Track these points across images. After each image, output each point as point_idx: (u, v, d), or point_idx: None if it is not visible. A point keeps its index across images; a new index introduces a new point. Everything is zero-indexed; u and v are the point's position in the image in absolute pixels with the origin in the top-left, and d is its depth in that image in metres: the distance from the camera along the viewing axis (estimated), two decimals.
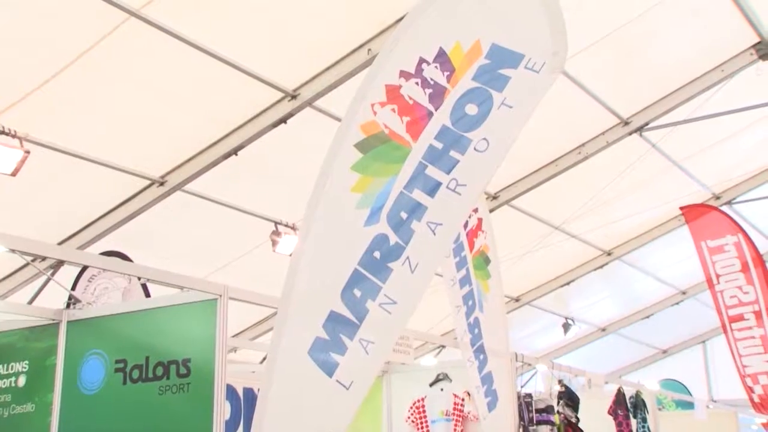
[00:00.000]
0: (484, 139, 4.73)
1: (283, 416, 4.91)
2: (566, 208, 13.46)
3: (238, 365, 8.10)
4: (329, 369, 4.78)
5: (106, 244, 9.40)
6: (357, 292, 4.79)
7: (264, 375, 5.04)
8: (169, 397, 5.04)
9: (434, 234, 4.83)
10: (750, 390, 13.25)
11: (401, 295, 4.80)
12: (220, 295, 5.06)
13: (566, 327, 17.21)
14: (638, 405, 10.91)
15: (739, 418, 13.31)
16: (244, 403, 7.38)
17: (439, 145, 4.80)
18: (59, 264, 8.07)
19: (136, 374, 5.16)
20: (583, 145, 12.07)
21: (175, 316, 5.21)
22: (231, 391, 7.53)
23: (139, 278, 7.40)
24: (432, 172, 4.79)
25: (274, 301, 5.27)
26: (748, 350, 13.30)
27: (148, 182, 9.46)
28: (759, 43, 11.24)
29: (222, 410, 4.94)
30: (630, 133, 12.11)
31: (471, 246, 7.75)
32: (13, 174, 7.68)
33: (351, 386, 4.83)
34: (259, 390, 5.18)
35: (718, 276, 13.52)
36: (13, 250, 5.54)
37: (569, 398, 9.14)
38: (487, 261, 7.91)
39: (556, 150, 12.06)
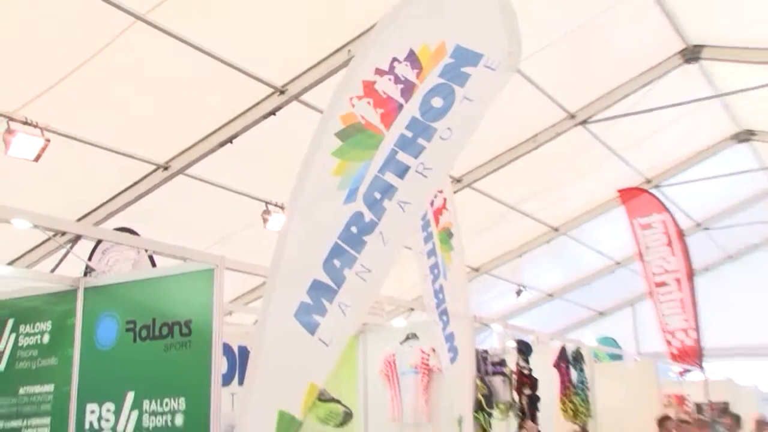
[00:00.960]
0: (448, 128, 4.76)
1: (272, 369, 4.88)
2: (520, 190, 13.50)
3: (233, 326, 8.08)
4: (312, 328, 4.77)
5: (117, 221, 9.36)
6: (336, 262, 4.80)
7: (256, 334, 5.02)
8: (173, 353, 5.01)
9: (404, 211, 4.84)
10: (669, 344, 13.44)
11: (375, 264, 4.82)
12: (217, 266, 5.02)
13: (518, 293, 17.28)
14: (578, 358, 10.94)
15: (658, 367, 13.42)
16: (239, 359, 7.35)
17: (408, 134, 4.81)
18: (77, 238, 8.13)
19: (144, 333, 5.13)
20: (535, 135, 12.13)
21: (178, 283, 5.18)
22: (227, 349, 7.48)
23: (147, 250, 7.35)
24: (402, 157, 4.80)
25: (265, 270, 5.26)
26: (670, 311, 13.48)
27: (154, 167, 9.46)
28: (684, 49, 11.34)
29: (219, 364, 4.91)
30: (576, 125, 12.16)
31: (437, 222, 7.73)
32: (36, 160, 7.66)
33: (331, 343, 4.84)
34: (251, 347, 5.15)
35: (646, 248, 13.64)
36: (36, 226, 5.48)
37: (523, 349, 9.13)
38: (450, 236, 7.89)
39: (512, 139, 12.10)
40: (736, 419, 13.36)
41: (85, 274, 6.46)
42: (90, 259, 7.66)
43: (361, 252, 4.80)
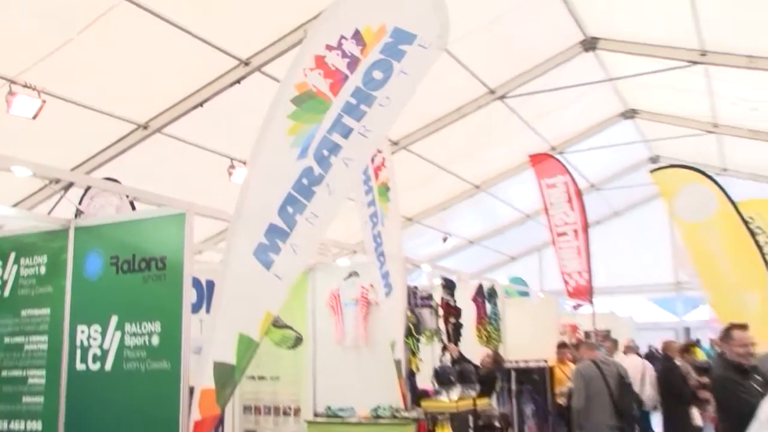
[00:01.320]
0: (387, 97, 4.77)
1: (234, 299, 4.87)
2: (448, 153, 13.54)
3: (203, 263, 8.00)
4: (268, 265, 4.77)
5: (103, 172, 9.27)
6: (290, 209, 4.79)
7: (220, 269, 4.99)
8: (150, 284, 4.96)
9: (347, 167, 4.84)
10: (566, 283, 13.63)
11: (322, 211, 4.82)
12: (188, 210, 4.95)
13: (444, 239, 17.41)
14: (492, 294, 11.07)
15: (558, 302, 13.68)
16: (206, 291, 7.29)
17: (353, 101, 4.81)
18: (69, 186, 8.07)
19: (125, 267, 5.07)
20: (461, 107, 12.17)
21: (154, 225, 5.11)
22: (196, 282, 7.41)
23: (128, 197, 7.23)
24: (347, 120, 4.80)
25: (229, 216, 5.21)
26: (568, 256, 13.63)
27: (135, 126, 9.40)
28: (584, 40, 11.46)
29: (188, 295, 4.86)
30: (495, 100, 12.21)
31: (376, 178, 7.71)
32: (33, 118, 7.69)
33: (283, 277, 4.84)
34: (217, 280, 5.13)
35: (551, 204, 13.75)
36: (35, 174, 5.44)
37: (448, 285, 9.21)
38: (387, 189, 7.88)
39: (442, 110, 12.13)
40: (614, 343, 13.73)
41: (76, 216, 6.38)
42: (80, 203, 7.55)
43: (310, 201, 4.81)
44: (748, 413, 4.80)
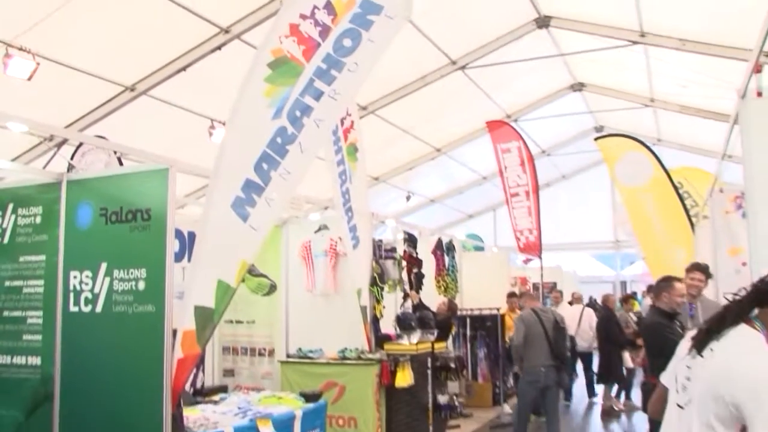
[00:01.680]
0: (355, 63, 4.75)
1: (213, 248, 4.87)
2: (412, 118, 13.50)
3: (185, 216, 7.95)
4: (244, 217, 4.77)
5: (93, 130, 9.08)
6: (265, 166, 4.77)
7: (201, 221, 4.97)
8: (136, 233, 4.91)
9: (318, 127, 4.82)
10: (518, 240, 13.76)
11: (294, 167, 4.82)
12: (171, 166, 4.88)
13: (408, 198, 17.43)
14: (450, 248, 11.17)
15: (510, 256, 13.83)
16: (188, 241, 7.28)
17: (324, 66, 4.79)
18: (62, 143, 8.04)
19: (114, 218, 5.02)
20: (425, 75, 12.08)
21: (140, 179, 5.05)
22: (179, 233, 7.38)
23: (116, 152, 7.13)
24: (318, 84, 4.78)
25: (209, 172, 5.16)
26: (520, 215, 13.73)
27: (123, 88, 9.22)
28: (538, 18, 11.42)
29: (171, 244, 4.82)
30: (456, 70, 12.15)
31: (345, 139, 7.68)
32: (29, 79, 7.54)
33: (259, 228, 4.85)
34: (198, 231, 5.11)
35: (505, 168, 13.80)
36: (31, 131, 5.37)
37: (411, 239, 9.26)
38: (356, 150, 7.86)
39: (407, 78, 12.05)
40: (560, 293, 13.96)
41: (68, 171, 6.29)
42: (71, 159, 7.45)
43: (284, 158, 4.79)
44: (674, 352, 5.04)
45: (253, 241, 4.90)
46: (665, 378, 2.55)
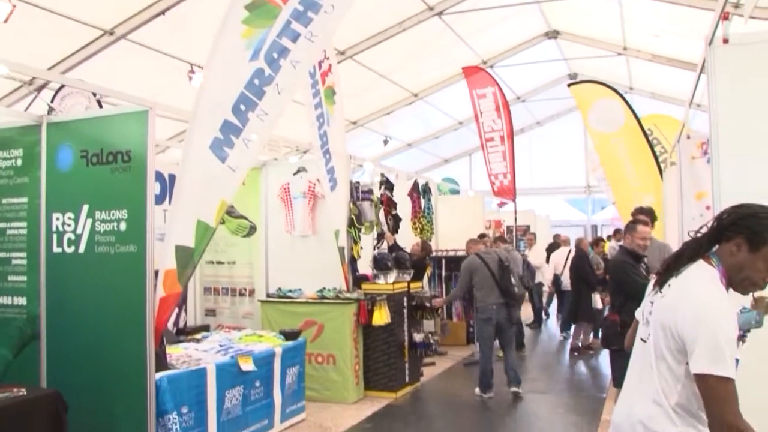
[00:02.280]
0: (332, 5, 4.72)
1: (193, 189, 4.87)
2: (390, 63, 13.37)
3: (167, 159, 7.90)
4: (222, 158, 4.76)
5: (72, 75, 8.85)
6: (242, 107, 4.74)
7: (181, 162, 4.95)
8: (117, 175, 4.89)
9: (295, 69, 4.78)
10: (492, 184, 13.85)
11: (271, 108, 4.80)
12: (150, 108, 4.83)
13: (385, 142, 17.38)
14: (426, 190, 11.19)
15: (484, 200, 13.92)
16: (169, 184, 7.24)
17: (300, 8, 4.74)
18: (43, 86, 7.83)
19: (94, 159, 4.98)
20: (403, 21, 11.93)
21: (120, 121, 4.99)
22: (160, 176, 7.35)
23: (95, 95, 7.02)
24: (295, 26, 4.74)
25: (188, 114, 5.11)
26: (495, 159, 13.80)
27: (101, 32, 8.99)
28: None
29: (152, 184, 4.79)
30: (433, 16, 11.99)
31: (323, 82, 7.61)
32: (5, 21, 7.28)
33: (237, 169, 4.85)
34: (178, 173, 5.09)
35: (481, 113, 13.80)
36: (11, 73, 5.24)
37: (387, 182, 9.26)
38: (333, 93, 7.79)
39: (385, 23, 11.90)
40: (533, 236, 14.13)
41: (48, 113, 6.19)
42: (51, 102, 7.32)
43: (261, 99, 4.76)
44: (636, 290, 5.16)
45: (232, 181, 4.90)
46: (638, 312, 2.61)
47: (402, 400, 7.71)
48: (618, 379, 5.71)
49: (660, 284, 2.41)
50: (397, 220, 9.50)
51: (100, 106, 7.39)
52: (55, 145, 5.18)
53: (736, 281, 2.34)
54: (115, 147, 4.91)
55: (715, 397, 2.10)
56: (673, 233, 6.42)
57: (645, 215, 6.18)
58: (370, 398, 7.64)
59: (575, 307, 10.39)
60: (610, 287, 6.61)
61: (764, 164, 3.53)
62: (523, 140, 20.01)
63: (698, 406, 2.25)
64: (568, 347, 10.95)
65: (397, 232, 9.51)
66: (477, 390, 7.82)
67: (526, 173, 18.85)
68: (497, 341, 7.86)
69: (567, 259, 11.54)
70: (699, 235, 2.41)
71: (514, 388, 7.76)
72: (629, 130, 10.90)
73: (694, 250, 2.38)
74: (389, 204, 9.18)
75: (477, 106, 13.77)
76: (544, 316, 14.40)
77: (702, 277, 2.31)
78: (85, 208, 4.98)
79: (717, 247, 2.36)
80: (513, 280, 7.93)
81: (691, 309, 2.21)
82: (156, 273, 4.88)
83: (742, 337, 2.44)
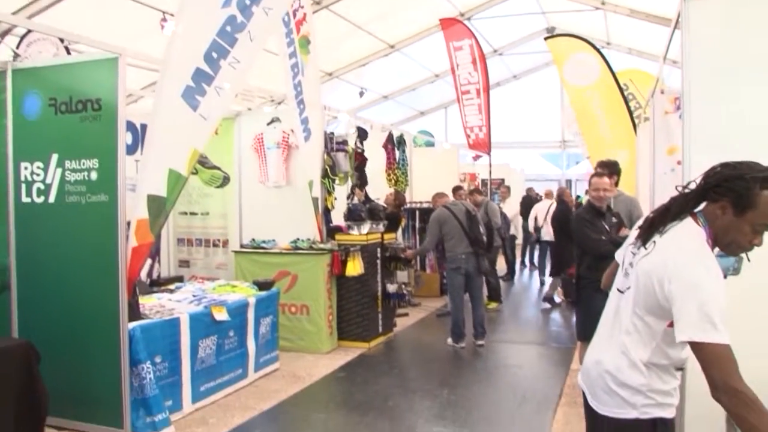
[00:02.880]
0: None
1: (164, 138, 4.83)
2: (366, 13, 13.16)
3: (139, 109, 7.76)
4: (194, 106, 4.71)
5: (39, 19, 8.54)
6: (214, 54, 4.67)
7: (152, 111, 4.90)
8: (87, 124, 4.82)
9: (267, 15, 4.73)
10: (468, 137, 13.84)
11: (243, 56, 4.75)
12: (121, 54, 4.73)
13: (361, 94, 17.21)
14: (401, 142, 11.16)
15: (459, 153, 13.94)
16: (141, 134, 7.15)
17: None
18: (7, 32, 7.55)
19: (63, 108, 4.90)
20: None
21: (89, 68, 4.89)
22: (131, 125, 7.26)
23: (63, 41, 6.83)
24: None
25: (159, 61, 5.00)
26: (470, 112, 13.77)
27: None
28: None
29: (123, 133, 4.73)
30: None
31: (298, 31, 7.48)
32: None
33: (208, 118, 4.81)
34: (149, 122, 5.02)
35: (457, 65, 13.71)
36: None
37: (360, 134, 9.18)
38: (308, 42, 7.67)
39: None
40: (508, 189, 14.23)
41: (14, 59, 5.98)
42: (17, 48, 7.10)
43: (233, 47, 4.70)
44: (587, 245, 5.53)
45: (203, 130, 4.85)
46: (618, 254, 2.58)
47: (375, 350, 7.81)
48: (578, 332, 5.81)
49: (643, 239, 2.34)
50: (363, 173, 9.31)
51: (69, 53, 7.22)
52: (21, 92, 5.07)
53: (722, 243, 2.28)
54: (85, 95, 4.82)
55: (712, 363, 2.02)
56: (644, 187, 6.48)
57: (603, 168, 6.17)
58: (344, 348, 7.74)
59: (559, 259, 10.48)
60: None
61: (734, 118, 3.56)
62: (499, 94, 19.96)
63: (670, 363, 2.24)
64: (542, 297, 11.09)
65: (363, 188, 9.40)
66: (449, 340, 7.95)
67: (501, 127, 18.80)
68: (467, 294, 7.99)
69: (548, 211, 11.65)
70: (687, 191, 2.32)
71: (479, 341, 7.92)
72: (604, 85, 10.92)
73: (680, 207, 2.30)
74: (359, 157, 9.07)
75: (453, 58, 13.66)
76: (524, 266, 14.67)
77: (690, 239, 2.23)
78: (55, 157, 4.92)
79: (705, 205, 2.28)
80: (482, 229, 8.00)
81: (679, 273, 2.13)
82: (128, 223, 4.85)
83: None
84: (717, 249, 2.35)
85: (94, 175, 4.79)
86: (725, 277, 2.40)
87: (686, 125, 3.68)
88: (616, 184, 6.25)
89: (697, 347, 2.05)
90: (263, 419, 5.44)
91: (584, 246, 5.59)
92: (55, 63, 5.34)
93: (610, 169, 6.09)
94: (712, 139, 3.56)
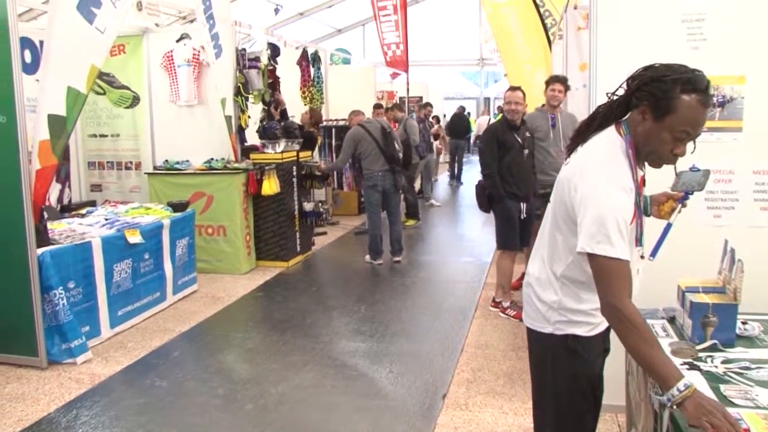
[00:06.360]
0: None
1: (61, 55, 4.61)
2: None
3: (40, 26, 7.31)
4: (90, 19, 4.48)
5: None
6: None
7: (47, 26, 4.63)
8: None
9: None
10: (385, 54, 13.74)
11: None
12: None
13: (276, 11, 16.68)
14: (316, 59, 10.94)
15: (377, 70, 13.83)
16: (41, 52, 6.72)
17: None
18: None
19: None
20: None
21: None
22: (30, 43, 6.86)
23: None
24: None
25: None
26: (387, 29, 13.65)
27: None
28: None
29: (17, 49, 4.40)
30: None
31: None
32: None
33: (105, 31, 4.58)
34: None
35: None
36: None
37: (273, 51, 8.93)
38: None
39: None
40: (424, 106, 14.28)
41: None
42: None
43: None
44: (483, 159, 5.95)
45: (101, 44, 4.65)
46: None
47: (293, 269, 7.88)
48: (497, 242, 6.02)
49: (569, 149, 2.27)
50: (275, 90, 9.01)
51: None
52: None
53: (643, 153, 2.13)
54: None
55: (600, 277, 2.00)
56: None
57: (560, 83, 6.16)
58: (262, 268, 7.78)
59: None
60: None
61: (640, 33, 3.62)
62: (417, 11, 19.76)
63: (587, 278, 2.14)
64: (460, 217, 11.33)
65: (277, 108, 9.13)
66: (367, 257, 8.09)
67: (419, 45, 18.72)
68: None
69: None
70: (614, 98, 2.18)
71: (396, 258, 8.11)
72: (521, 1, 10.93)
73: (605, 116, 2.19)
74: (271, 75, 8.79)
75: None
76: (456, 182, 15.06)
77: (602, 149, 2.14)
78: None
79: (630, 113, 2.15)
80: (398, 146, 8.06)
81: (582, 184, 2.08)
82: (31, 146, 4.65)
83: (684, 199, 2.35)
84: (693, 164, 2.29)
85: None
86: (691, 193, 2.34)
87: (592, 39, 3.72)
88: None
89: (591, 259, 2.01)
90: (182, 341, 5.46)
91: (480, 159, 6.02)
92: None
93: (565, 84, 6.16)
94: (618, 52, 3.60)
